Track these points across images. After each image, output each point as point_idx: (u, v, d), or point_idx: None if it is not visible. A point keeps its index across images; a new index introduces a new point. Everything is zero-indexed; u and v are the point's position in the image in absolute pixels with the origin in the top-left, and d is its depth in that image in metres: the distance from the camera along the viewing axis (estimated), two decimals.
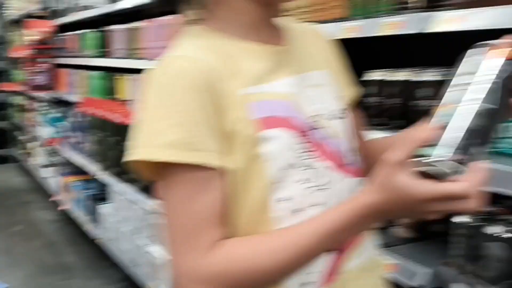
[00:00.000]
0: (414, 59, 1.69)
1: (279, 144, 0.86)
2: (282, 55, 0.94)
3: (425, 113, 1.45)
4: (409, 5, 1.49)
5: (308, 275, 0.89)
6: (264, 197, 0.86)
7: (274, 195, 0.86)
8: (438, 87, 1.43)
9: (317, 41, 1.05)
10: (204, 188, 0.83)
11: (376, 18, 1.60)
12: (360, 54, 2.20)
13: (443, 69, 1.48)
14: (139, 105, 0.86)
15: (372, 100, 1.63)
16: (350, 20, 1.69)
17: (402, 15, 1.48)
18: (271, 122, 0.86)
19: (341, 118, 0.98)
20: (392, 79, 1.56)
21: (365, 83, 1.65)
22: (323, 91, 0.97)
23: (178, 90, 0.82)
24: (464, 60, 0.78)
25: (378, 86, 1.61)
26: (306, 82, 0.95)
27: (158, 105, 0.83)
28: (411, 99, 1.50)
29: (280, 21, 1.00)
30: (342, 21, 1.72)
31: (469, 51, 0.78)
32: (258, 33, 0.93)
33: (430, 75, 1.44)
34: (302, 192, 0.88)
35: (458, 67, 0.78)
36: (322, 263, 0.89)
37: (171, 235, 0.85)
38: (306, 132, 0.91)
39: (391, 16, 1.51)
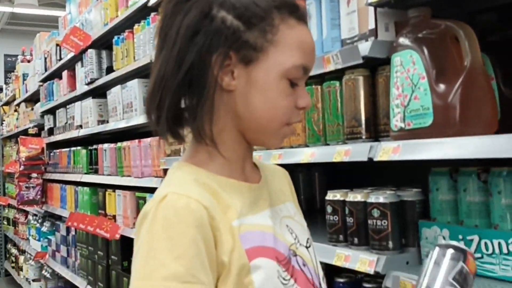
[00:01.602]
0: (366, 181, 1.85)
1: (267, 273, 0.93)
2: (259, 191, 1.04)
3: (379, 232, 1.56)
4: (358, 135, 1.66)
5: None
6: None
7: None
8: (391, 208, 1.57)
9: (278, 176, 1.17)
10: None
11: (331, 146, 1.77)
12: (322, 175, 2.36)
13: (393, 190, 1.62)
14: (142, 236, 0.90)
15: (332, 218, 1.75)
16: (310, 146, 1.86)
17: (352, 144, 1.65)
18: (259, 251, 0.94)
19: (309, 246, 1.08)
20: (350, 199, 1.69)
21: (327, 202, 1.78)
22: (293, 222, 1.08)
23: (183, 226, 0.87)
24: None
25: (339, 205, 1.74)
26: (279, 214, 1.05)
27: (163, 238, 0.87)
28: (367, 218, 1.62)
29: (253, 159, 1.11)
30: (303, 147, 1.89)
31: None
32: (242, 171, 1.03)
33: (382, 197, 1.58)
34: None
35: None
36: None
37: None
38: (288, 261, 0.99)
39: (343, 145, 1.67)
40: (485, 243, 1.35)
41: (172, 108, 0.97)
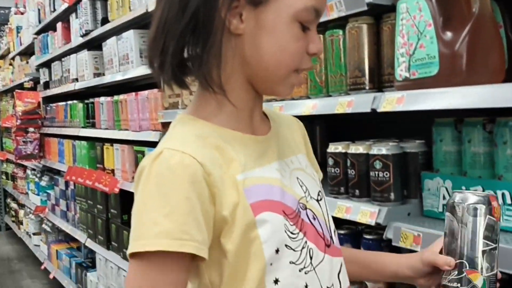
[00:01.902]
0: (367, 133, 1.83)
1: (274, 226, 0.92)
2: (267, 143, 1.01)
3: (381, 184, 1.55)
4: (361, 86, 1.63)
5: None
6: (261, 278, 0.91)
7: (270, 276, 0.92)
8: (393, 160, 1.55)
9: (291, 127, 1.14)
10: (178, 279, 0.87)
11: (333, 97, 1.73)
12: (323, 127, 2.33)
13: (395, 142, 1.59)
14: (138, 193, 0.89)
15: (333, 170, 1.74)
16: (311, 98, 1.83)
17: (355, 95, 1.62)
18: (265, 205, 0.93)
19: (321, 199, 1.05)
20: (352, 151, 1.67)
21: (328, 154, 1.76)
22: (304, 174, 1.05)
23: (176, 182, 0.87)
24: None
25: (340, 157, 1.72)
26: (289, 166, 1.03)
27: (156, 195, 0.86)
28: (369, 170, 1.60)
29: (264, 109, 1.08)
30: (304, 99, 1.85)
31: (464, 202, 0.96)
32: (250, 122, 1.00)
33: (384, 149, 1.56)
34: (297, 273, 0.94)
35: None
36: None
37: None
38: (297, 214, 0.97)
39: (346, 96, 1.64)
40: None
41: (177, 54, 0.94)
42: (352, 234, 1.85)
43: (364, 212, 1.59)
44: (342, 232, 1.85)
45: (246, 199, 0.91)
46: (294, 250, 0.94)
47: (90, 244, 4.12)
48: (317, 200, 1.04)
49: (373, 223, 1.55)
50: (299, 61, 0.96)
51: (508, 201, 1.29)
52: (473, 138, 1.41)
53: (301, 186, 1.02)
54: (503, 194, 1.30)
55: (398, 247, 1.60)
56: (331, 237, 1.03)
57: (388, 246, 1.67)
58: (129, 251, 0.86)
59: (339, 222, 1.84)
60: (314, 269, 0.97)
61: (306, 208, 1.00)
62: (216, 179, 0.90)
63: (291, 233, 0.94)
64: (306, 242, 0.97)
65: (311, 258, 0.96)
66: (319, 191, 1.06)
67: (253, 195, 0.92)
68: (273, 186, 0.96)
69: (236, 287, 0.92)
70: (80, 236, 4.36)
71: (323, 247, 1.00)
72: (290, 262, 0.93)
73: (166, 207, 0.85)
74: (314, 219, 1.00)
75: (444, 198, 1.47)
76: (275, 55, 0.93)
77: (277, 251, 0.92)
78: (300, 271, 0.95)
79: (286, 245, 0.93)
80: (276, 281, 0.92)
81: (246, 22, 0.92)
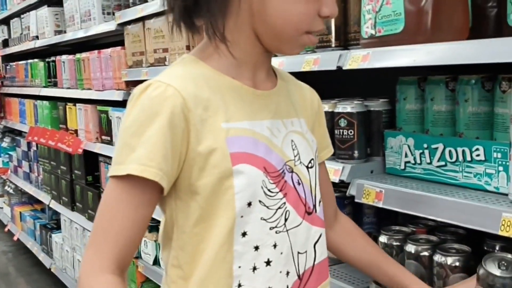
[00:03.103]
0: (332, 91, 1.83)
1: (250, 179, 0.92)
2: (266, 99, 1.00)
3: (345, 142, 1.56)
4: (327, 43, 1.61)
5: None
6: (230, 228, 0.92)
7: (239, 228, 0.92)
8: (357, 118, 1.56)
9: (303, 92, 1.13)
10: (140, 203, 0.90)
11: (300, 55, 1.71)
12: None
13: (360, 100, 1.60)
14: (124, 119, 0.93)
15: None
16: (278, 56, 1.80)
17: (321, 53, 1.60)
18: (245, 157, 0.92)
19: (311, 167, 1.05)
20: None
21: None
22: (301, 139, 1.04)
23: (154, 112, 0.88)
24: None
25: None
26: (287, 128, 1.02)
27: (137, 123, 0.89)
28: (334, 128, 1.61)
29: (276, 68, 1.07)
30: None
31: None
32: (252, 76, 0.99)
33: (349, 107, 1.56)
34: (266, 231, 0.95)
35: None
36: None
37: (92, 230, 0.93)
38: (280, 174, 0.97)
39: (312, 54, 1.63)
40: (449, 151, 1.36)
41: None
42: None
43: (329, 170, 1.59)
44: None
45: (227, 147, 0.91)
46: (268, 207, 0.94)
47: (54, 205, 4.07)
48: (307, 167, 1.03)
49: (337, 180, 1.56)
50: (309, 23, 0.93)
51: (468, 158, 1.32)
52: (436, 96, 1.43)
53: (293, 149, 1.01)
54: (463, 151, 1.33)
55: (360, 203, 1.63)
56: (314, 205, 1.03)
57: (351, 204, 1.70)
58: (108, 174, 0.92)
59: None
60: (287, 231, 0.97)
61: (292, 171, 0.99)
62: (195, 117, 0.90)
63: (269, 190, 0.94)
64: (284, 203, 0.97)
65: (286, 219, 0.97)
66: (312, 159, 1.05)
67: (235, 145, 0.92)
68: (259, 141, 0.95)
69: (202, 233, 0.93)
70: (44, 197, 4.30)
71: (303, 213, 1.00)
72: (261, 218, 0.94)
73: (143, 135, 0.88)
74: (299, 184, 1.00)
75: (406, 155, 1.49)
76: (282, 14, 0.92)
77: (249, 204, 0.92)
78: (271, 229, 0.95)
79: (260, 201, 0.93)
80: (244, 234, 0.93)
81: None
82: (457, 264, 1.29)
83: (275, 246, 0.95)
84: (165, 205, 0.97)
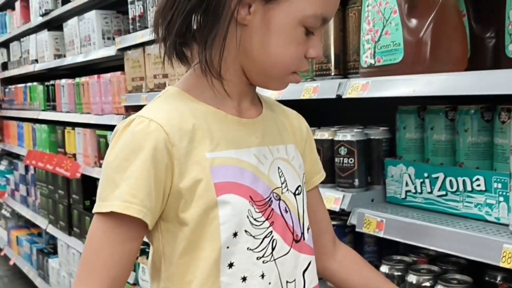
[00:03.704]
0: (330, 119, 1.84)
1: (235, 210, 0.91)
2: (251, 127, 1.00)
3: (345, 170, 1.56)
4: (327, 72, 1.62)
5: None
6: (216, 259, 0.91)
7: (225, 259, 0.92)
8: (358, 146, 1.56)
9: (290, 119, 1.12)
10: (125, 239, 0.90)
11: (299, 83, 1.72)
12: None
13: (360, 129, 1.60)
14: (107, 155, 0.93)
15: None
16: None
17: (320, 81, 1.61)
18: (230, 187, 0.92)
19: (298, 194, 1.04)
20: (318, 137, 1.67)
21: None
22: (288, 165, 1.04)
23: (138, 147, 0.89)
24: None
25: None
26: (273, 155, 1.01)
27: (120, 158, 0.90)
28: (334, 156, 1.61)
29: (260, 95, 1.08)
30: None
31: None
32: (236, 105, 0.99)
33: (349, 135, 1.56)
34: (253, 261, 0.94)
35: None
36: None
37: (79, 265, 0.93)
38: (267, 202, 0.96)
39: (312, 82, 1.63)
40: (450, 181, 1.36)
41: (182, 31, 0.95)
42: None
43: (329, 198, 1.60)
44: None
45: (212, 178, 0.91)
46: (254, 237, 0.94)
47: (52, 230, 4.04)
48: (294, 194, 1.03)
49: (337, 209, 1.56)
50: (297, 64, 0.96)
51: (468, 188, 1.32)
52: (436, 125, 1.43)
53: (280, 177, 1.01)
54: (463, 181, 1.33)
55: (361, 233, 1.62)
56: (302, 233, 1.02)
57: (352, 232, 1.69)
58: (93, 210, 0.92)
59: None
60: (274, 260, 0.96)
61: (280, 199, 0.99)
62: (180, 151, 0.91)
63: (255, 219, 0.94)
64: (271, 232, 0.96)
65: (273, 248, 0.96)
66: (299, 186, 1.05)
67: (219, 175, 0.92)
68: (245, 170, 0.95)
69: (188, 264, 0.93)
70: (41, 222, 4.27)
71: (291, 241, 0.99)
72: (247, 249, 0.93)
73: (126, 170, 0.89)
74: (286, 211, 1.00)
75: (406, 184, 1.49)
76: (274, 54, 0.94)
77: (235, 234, 0.92)
78: (258, 259, 0.94)
79: (245, 231, 0.93)
80: (230, 265, 0.92)
81: (254, 15, 0.92)
82: None
83: (262, 276, 0.95)
84: (152, 237, 0.97)
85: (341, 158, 1.59)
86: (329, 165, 1.65)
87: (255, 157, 0.97)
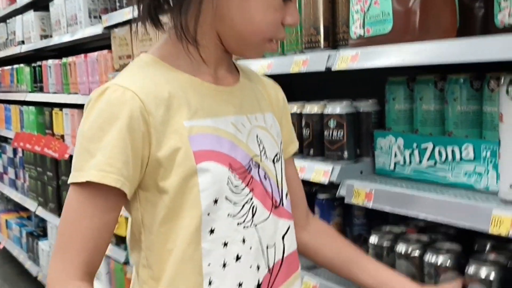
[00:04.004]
0: (320, 93, 1.83)
1: (215, 177, 0.92)
2: (229, 94, 1.00)
3: (335, 143, 1.56)
4: (316, 44, 1.61)
5: None
6: (197, 226, 0.92)
7: (207, 226, 0.92)
8: (347, 119, 1.55)
9: (267, 87, 1.12)
10: (103, 209, 0.89)
11: (288, 56, 1.71)
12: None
13: (349, 101, 1.60)
14: (81, 125, 0.91)
15: None
16: (266, 57, 1.80)
17: (310, 53, 1.60)
18: (209, 155, 0.92)
19: (277, 161, 1.05)
20: (307, 111, 1.66)
21: None
22: (266, 133, 1.04)
23: (113, 116, 0.87)
24: None
25: (295, 117, 1.71)
26: (251, 123, 1.02)
27: (95, 128, 0.88)
28: (323, 129, 1.61)
29: (237, 63, 1.07)
30: (259, 58, 1.82)
31: None
32: (213, 72, 0.99)
33: (339, 108, 1.56)
34: (234, 227, 0.95)
35: None
36: None
37: (57, 237, 0.92)
38: (246, 170, 0.97)
39: (301, 55, 1.62)
40: (439, 151, 1.36)
41: None
42: (306, 195, 1.86)
43: (318, 171, 1.60)
44: None
45: (190, 146, 0.91)
46: (234, 203, 0.94)
47: (41, 212, 4.02)
48: (273, 161, 1.04)
49: (326, 182, 1.55)
50: (274, 31, 0.95)
51: (458, 157, 1.32)
52: (425, 95, 1.43)
53: (258, 145, 1.01)
54: (452, 150, 1.33)
55: (350, 206, 1.62)
56: (281, 199, 1.04)
57: (341, 205, 1.70)
58: (68, 181, 0.91)
59: None
60: (255, 225, 0.97)
61: (259, 167, 1.00)
62: (156, 119, 0.90)
63: (235, 186, 0.95)
64: (251, 198, 0.97)
65: (253, 215, 0.97)
66: (277, 153, 1.06)
67: (198, 143, 0.92)
68: (223, 138, 0.95)
69: (169, 232, 0.93)
70: (31, 204, 4.25)
71: (270, 207, 1.01)
72: (228, 215, 0.94)
73: (101, 140, 0.87)
74: (266, 178, 1.01)
75: (395, 156, 1.49)
76: (251, 20, 0.93)
77: (215, 201, 0.92)
78: (238, 225, 0.95)
79: (226, 197, 0.93)
80: (211, 231, 0.93)
81: None
82: (448, 263, 1.28)
83: (243, 241, 0.96)
84: (130, 207, 0.96)
85: (331, 131, 1.59)
86: (318, 138, 1.65)
87: (232, 125, 0.97)
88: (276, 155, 1.05)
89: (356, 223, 1.71)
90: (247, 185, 0.96)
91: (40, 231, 4.39)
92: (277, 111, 1.12)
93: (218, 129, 0.95)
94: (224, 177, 0.93)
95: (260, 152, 1.01)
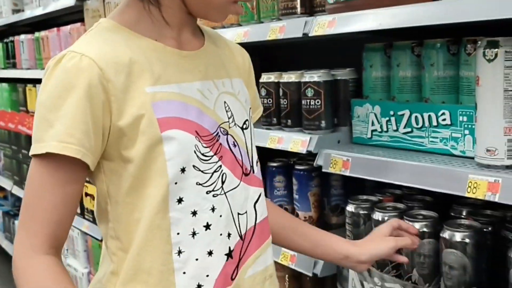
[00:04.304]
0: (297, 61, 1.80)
1: (182, 145, 0.89)
2: (194, 60, 0.96)
3: (312, 112, 1.54)
4: (292, 10, 1.58)
5: (204, 279, 0.93)
6: (164, 196, 0.89)
7: (175, 195, 0.90)
8: (325, 87, 1.53)
9: (233, 52, 1.09)
10: (66, 181, 0.87)
11: (265, 23, 1.68)
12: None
13: (327, 70, 1.57)
14: (39, 94, 0.88)
15: (266, 101, 1.70)
16: (242, 25, 1.76)
17: (286, 20, 1.57)
18: (175, 122, 0.89)
19: (246, 128, 1.02)
20: (285, 80, 1.64)
21: (261, 85, 1.72)
22: (234, 100, 1.01)
23: (70, 85, 0.84)
24: None
25: (273, 87, 1.69)
26: (218, 89, 0.98)
27: (53, 97, 0.85)
28: (301, 99, 1.58)
29: (202, 27, 1.04)
30: (235, 26, 1.79)
31: None
32: (176, 37, 0.95)
33: (316, 76, 1.53)
34: (203, 195, 0.92)
35: None
36: (216, 269, 0.94)
37: (21, 211, 0.89)
38: (214, 137, 0.94)
39: (277, 22, 1.59)
40: (416, 117, 1.35)
41: None
42: (284, 166, 1.84)
43: (296, 141, 1.58)
44: (274, 164, 1.84)
45: (154, 113, 0.88)
46: (203, 171, 0.92)
47: (17, 191, 3.95)
48: (242, 128, 1.01)
49: (304, 151, 1.54)
50: None
51: (434, 123, 1.31)
52: (402, 62, 1.41)
53: (226, 111, 0.98)
54: (429, 117, 1.32)
55: (328, 175, 1.61)
56: (251, 166, 1.01)
57: (319, 176, 1.69)
58: (30, 153, 0.89)
59: (271, 155, 1.83)
60: (225, 193, 0.96)
61: (227, 134, 0.97)
62: (116, 86, 0.86)
63: (203, 154, 0.92)
64: (220, 166, 0.95)
65: (223, 182, 0.95)
66: (246, 120, 1.03)
67: (162, 110, 0.89)
68: (189, 105, 0.92)
69: (136, 202, 0.91)
70: (6, 183, 4.17)
71: (240, 174, 0.99)
72: (196, 183, 0.92)
73: (60, 109, 0.84)
74: (235, 146, 0.98)
75: (372, 124, 1.47)
76: None
77: (182, 170, 0.90)
78: (207, 193, 0.93)
79: (194, 166, 0.91)
80: (180, 200, 0.91)
81: None
82: (424, 229, 1.28)
83: (213, 209, 0.94)
84: (95, 178, 0.94)
85: (308, 100, 1.56)
86: (296, 108, 1.62)
87: (198, 91, 0.94)
88: (245, 122, 1.02)
89: (334, 194, 1.70)
90: (215, 153, 0.94)
91: (17, 210, 4.32)
92: (244, 76, 1.09)
93: (184, 95, 0.92)
94: (191, 145, 0.90)
95: (229, 119, 0.98)
